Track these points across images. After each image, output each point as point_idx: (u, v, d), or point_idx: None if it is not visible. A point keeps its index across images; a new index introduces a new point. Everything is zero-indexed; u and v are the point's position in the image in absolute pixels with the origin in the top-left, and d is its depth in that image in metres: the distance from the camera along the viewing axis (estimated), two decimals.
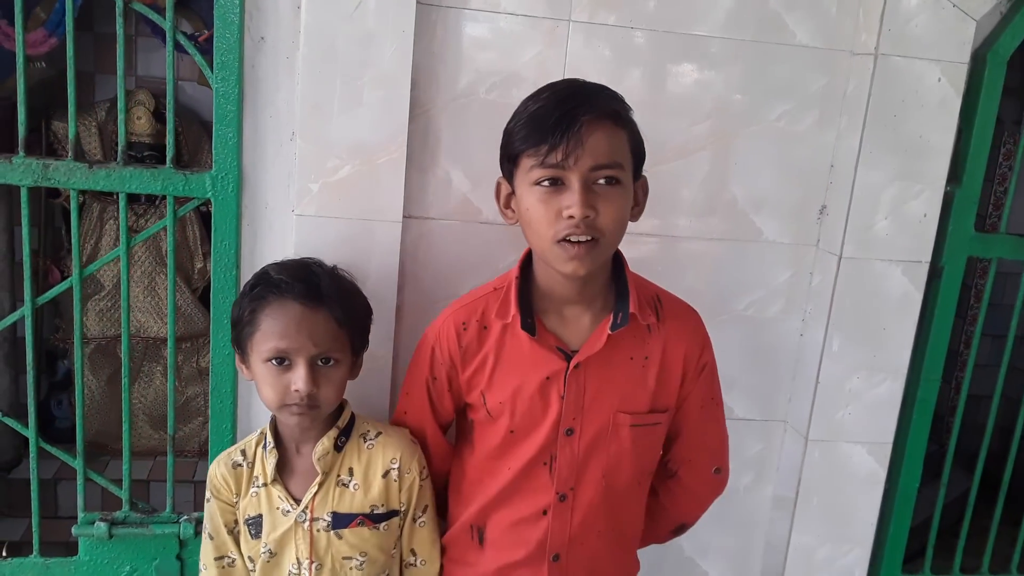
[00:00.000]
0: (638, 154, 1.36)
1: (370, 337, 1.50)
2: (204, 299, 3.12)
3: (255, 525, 1.47)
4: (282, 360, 1.38)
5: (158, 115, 3.02)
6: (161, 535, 1.77)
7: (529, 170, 1.31)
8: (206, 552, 1.51)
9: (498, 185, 1.41)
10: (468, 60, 1.68)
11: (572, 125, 1.26)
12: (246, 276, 1.56)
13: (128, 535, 1.76)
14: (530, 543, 1.46)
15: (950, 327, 1.94)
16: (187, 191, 1.65)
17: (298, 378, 1.37)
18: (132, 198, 2.97)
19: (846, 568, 1.99)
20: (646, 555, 1.64)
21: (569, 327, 1.42)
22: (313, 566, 1.45)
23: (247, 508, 1.48)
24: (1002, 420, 2.11)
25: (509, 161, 1.35)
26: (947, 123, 1.80)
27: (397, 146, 1.62)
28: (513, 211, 1.39)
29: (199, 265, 3.18)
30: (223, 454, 1.51)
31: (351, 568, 1.46)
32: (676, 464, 1.56)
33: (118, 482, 1.78)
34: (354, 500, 1.46)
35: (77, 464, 1.75)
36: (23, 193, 1.61)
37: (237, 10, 1.58)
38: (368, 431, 1.50)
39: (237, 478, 1.48)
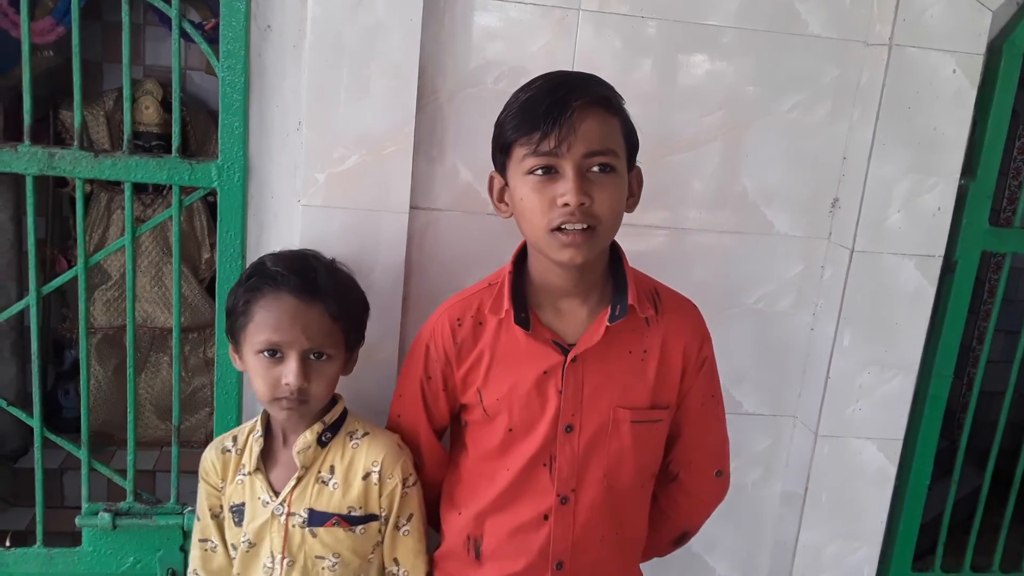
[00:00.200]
0: (631, 142, 1.34)
1: (376, 329, 1.49)
2: (211, 289, 3.12)
3: (238, 513, 1.46)
4: (274, 352, 1.36)
5: (166, 105, 3.02)
6: (165, 526, 1.76)
7: (522, 159, 1.29)
8: (195, 532, 1.51)
9: (491, 179, 1.39)
10: (476, 49, 1.66)
11: (564, 111, 1.24)
12: None
13: (132, 526, 1.76)
14: (531, 551, 1.42)
15: (963, 322, 1.92)
16: (193, 181, 1.64)
17: (289, 372, 1.36)
18: (139, 188, 2.99)
19: (855, 565, 1.97)
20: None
21: (565, 321, 1.40)
22: (285, 562, 1.42)
23: (232, 495, 1.47)
24: (1014, 416, 2.09)
25: (501, 152, 1.33)
26: (962, 115, 1.77)
27: (404, 136, 1.61)
28: (507, 204, 1.36)
29: (206, 255, 3.18)
30: (217, 439, 1.51)
31: (323, 568, 1.43)
32: (677, 466, 1.53)
33: (124, 472, 1.78)
34: (332, 499, 1.43)
35: (82, 454, 1.75)
36: (28, 182, 1.61)
37: None
38: (356, 430, 1.47)
39: (224, 463, 1.47)
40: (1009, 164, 3.54)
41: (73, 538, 1.78)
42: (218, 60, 1.60)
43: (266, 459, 1.46)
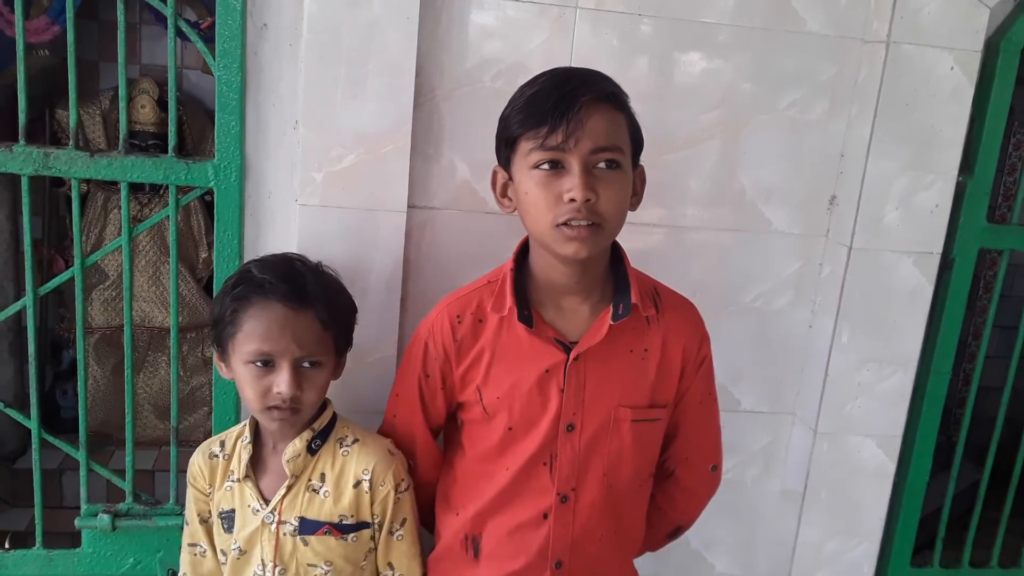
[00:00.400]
0: (636, 140, 1.34)
1: (374, 328, 1.48)
2: (209, 289, 3.12)
3: (228, 519, 1.44)
4: (266, 362, 1.34)
5: (162, 104, 3.01)
6: (165, 527, 1.76)
7: (528, 154, 1.28)
8: (184, 535, 1.50)
9: (494, 173, 1.38)
10: (473, 47, 1.66)
11: (572, 106, 1.24)
12: None
13: (132, 527, 1.75)
14: (530, 550, 1.41)
15: (961, 319, 1.92)
16: (189, 180, 1.64)
17: (281, 381, 1.34)
18: (136, 187, 2.98)
19: (854, 562, 1.97)
20: None
21: (567, 319, 1.39)
22: (277, 570, 1.41)
23: (221, 501, 1.45)
24: (1012, 412, 2.09)
25: (506, 147, 1.32)
26: (959, 113, 1.78)
27: (402, 135, 1.61)
28: (510, 199, 1.36)
29: (204, 255, 3.18)
30: (204, 443, 1.49)
31: None
32: (674, 463, 1.52)
33: (122, 473, 1.78)
34: (323, 507, 1.41)
35: (80, 455, 1.74)
36: (24, 181, 1.60)
37: None
38: (346, 436, 1.45)
39: (212, 469, 1.46)
40: (1005, 161, 3.54)
41: (73, 539, 1.77)
42: (214, 59, 1.60)
43: (255, 466, 1.44)
